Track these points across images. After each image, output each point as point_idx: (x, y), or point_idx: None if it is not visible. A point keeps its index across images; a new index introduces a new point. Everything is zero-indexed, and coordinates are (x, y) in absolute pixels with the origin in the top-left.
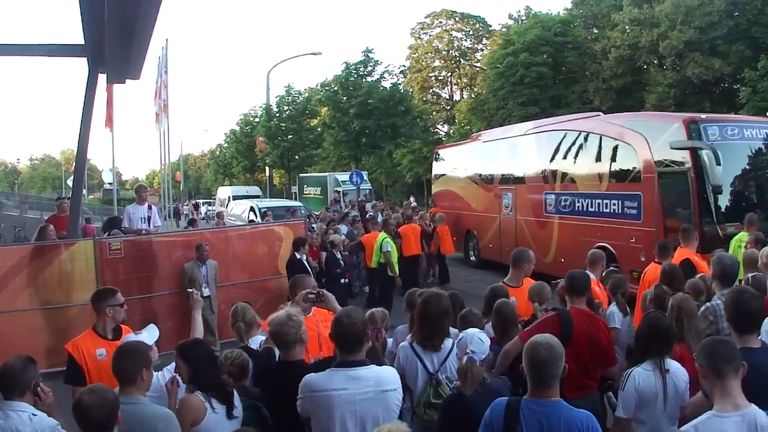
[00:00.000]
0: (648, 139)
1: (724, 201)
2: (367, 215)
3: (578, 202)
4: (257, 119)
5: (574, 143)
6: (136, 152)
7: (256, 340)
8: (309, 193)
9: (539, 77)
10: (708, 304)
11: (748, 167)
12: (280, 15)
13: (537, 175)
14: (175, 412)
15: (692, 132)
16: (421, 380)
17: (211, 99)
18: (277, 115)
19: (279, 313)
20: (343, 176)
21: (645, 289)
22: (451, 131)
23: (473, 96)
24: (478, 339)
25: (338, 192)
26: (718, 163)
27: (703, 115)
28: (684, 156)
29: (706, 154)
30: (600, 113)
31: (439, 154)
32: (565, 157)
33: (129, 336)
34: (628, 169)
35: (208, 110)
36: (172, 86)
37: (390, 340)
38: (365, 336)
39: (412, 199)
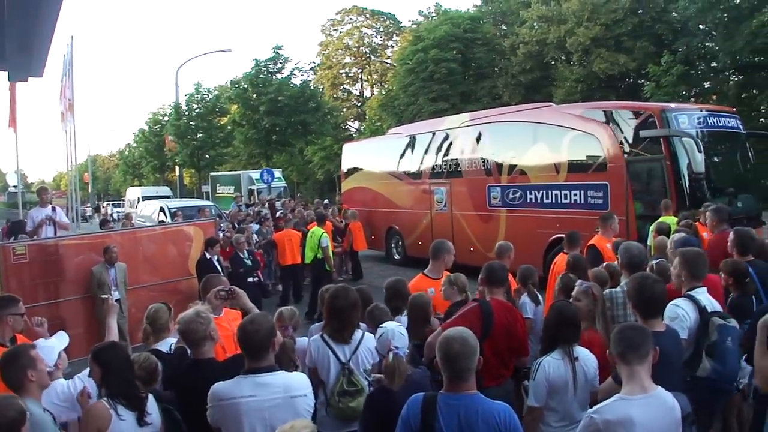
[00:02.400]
0: (613, 129)
1: (697, 188)
2: (278, 213)
3: (530, 194)
4: (166, 118)
5: (523, 134)
6: (42, 153)
7: (167, 343)
8: (222, 192)
9: (449, 73)
10: (605, 291)
11: (714, 154)
12: (189, 12)
13: (477, 168)
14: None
15: (665, 121)
16: (334, 371)
17: (119, 98)
18: (187, 113)
19: (187, 311)
20: (258, 174)
21: (554, 279)
22: (362, 127)
23: (384, 92)
24: (399, 333)
25: (252, 190)
26: (700, 151)
27: (673, 105)
28: (656, 144)
29: (687, 143)
30: (552, 104)
31: (349, 150)
32: (512, 149)
33: (38, 342)
34: (592, 159)
35: (116, 109)
36: (78, 85)
37: (302, 339)
38: (271, 341)
39: (326, 202)
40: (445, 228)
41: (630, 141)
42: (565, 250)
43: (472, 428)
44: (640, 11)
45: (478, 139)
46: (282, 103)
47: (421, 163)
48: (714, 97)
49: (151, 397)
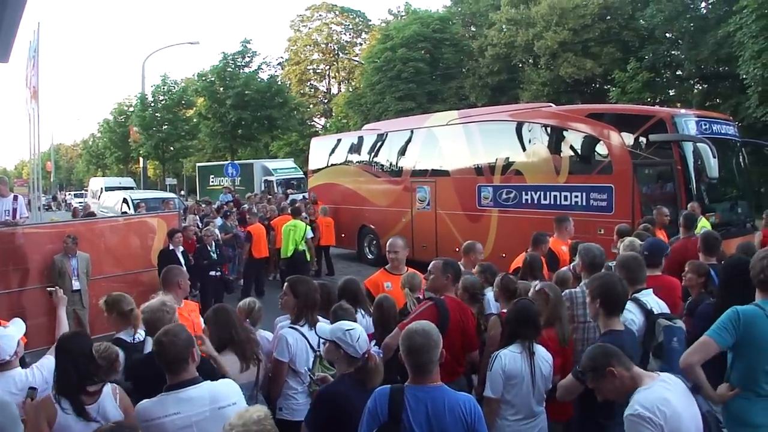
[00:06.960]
0: (621, 131)
1: (707, 193)
2: (242, 206)
3: (526, 194)
4: (132, 108)
5: (520, 134)
6: (4, 141)
7: (130, 332)
8: (218, 184)
9: (417, 72)
10: (567, 291)
11: (721, 160)
12: (158, 2)
13: (467, 167)
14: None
15: (676, 125)
16: (310, 359)
17: (85, 87)
18: (152, 104)
19: (152, 301)
20: (274, 163)
21: None
22: (328, 124)
23: (351, 90)
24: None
25: (269, 182)
26: (715, 156)
27: (682, 110)
28: (665, 149)
29: (702, 148)
30: (551, 105)
31: (318, 146)
32: (506, 149)
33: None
34: (596, 161)
35: (81, 98)
36: (43, 72)
37: (261, 332)
38: (190, 352)
39: (303, 196)
40: (427, 227)
41: (637, 144)
42: (529, 250)
43: (439, 419)
44: (608, 18)
45: (468, 138)
46: (249, 97)
47: (402, 160)
48: (678, 105)
49: (108, 390)
